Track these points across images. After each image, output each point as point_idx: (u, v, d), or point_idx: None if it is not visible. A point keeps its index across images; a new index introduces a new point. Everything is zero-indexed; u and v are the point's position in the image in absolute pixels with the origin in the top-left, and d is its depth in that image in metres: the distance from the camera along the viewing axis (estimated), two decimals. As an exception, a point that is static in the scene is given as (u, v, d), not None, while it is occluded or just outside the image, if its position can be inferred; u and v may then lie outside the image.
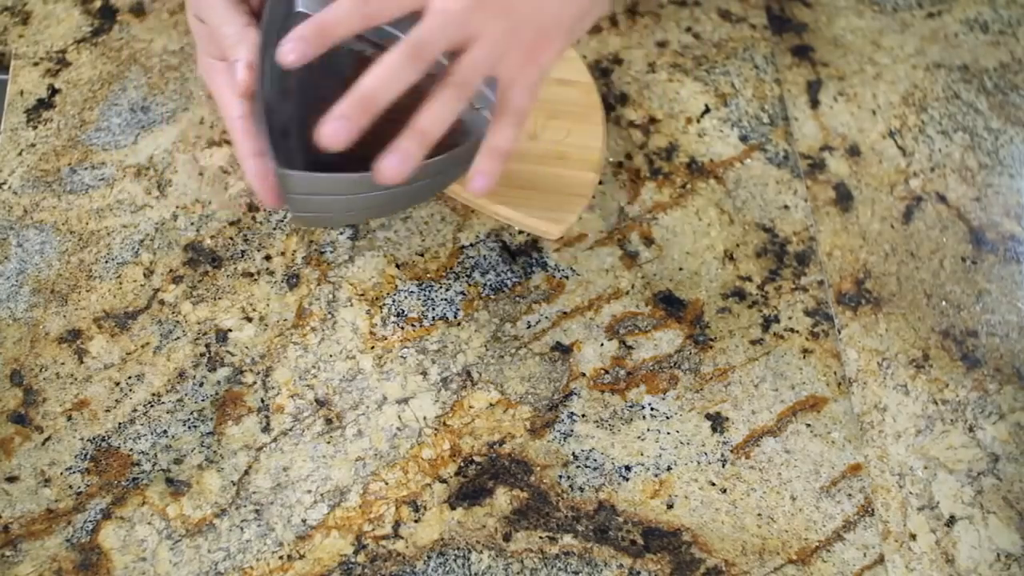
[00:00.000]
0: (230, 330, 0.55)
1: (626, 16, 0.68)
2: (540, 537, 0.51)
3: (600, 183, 0.61)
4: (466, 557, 0.51)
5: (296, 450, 0.53)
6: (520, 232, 0.59)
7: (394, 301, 0.57)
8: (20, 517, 0.50)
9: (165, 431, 0.53)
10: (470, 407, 0.54)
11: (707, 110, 0.64)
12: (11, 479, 0.51)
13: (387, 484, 0.52)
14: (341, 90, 0.43)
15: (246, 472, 0.52)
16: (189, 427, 0.53)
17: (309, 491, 0.52)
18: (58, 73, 0.63)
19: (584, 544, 0.51)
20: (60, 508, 0.51)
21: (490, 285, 0.58)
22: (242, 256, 0.58)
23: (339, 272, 0.57)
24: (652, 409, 0.55)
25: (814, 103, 0.65)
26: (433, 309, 0.57)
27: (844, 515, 0.53)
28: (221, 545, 0.50)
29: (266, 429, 0.53)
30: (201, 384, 0.54)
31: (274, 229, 0.59)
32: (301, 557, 0.50)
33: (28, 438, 0.52)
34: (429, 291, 0.57)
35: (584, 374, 0.56)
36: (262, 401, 0.54)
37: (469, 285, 0.58)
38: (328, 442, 0.53)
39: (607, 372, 0.56)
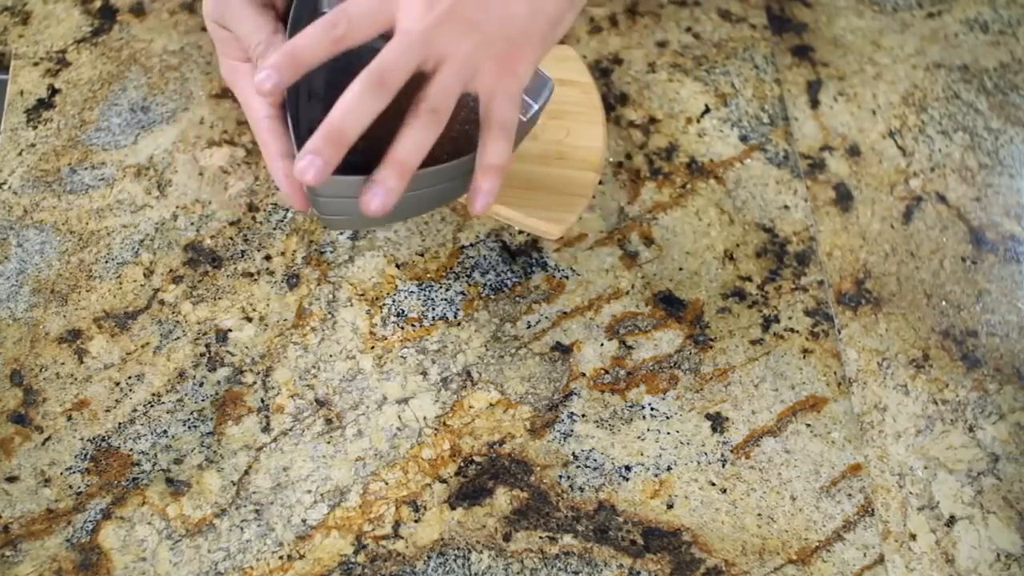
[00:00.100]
0: (230, 330, 0.56)
1: (626, 16, 0.68)
2: (540, 537, 0.51)
3: (600, 183, 0.61)
4: (466, 557, 0.51)
5: (296, 450, 0.53)
6: (520, 232, 0.59)
7: (394, 301, 0.57)
8: (20, 517, 0.50)
9: (165, 431, 0.53)
10: (470, 407, 0.54)
11: (707, 110, 0.64)
12: (11, 479, 0.51)
13: (387, 484, 0.52)
14: None
15: (246, 472, 0.52)
16: (189, 427, 0.53)
17: (309, 491, 0.52)
18: (58, 73, 0.63)
19: (584, 544, 0.51)
20: (60, 508, 0.51)
21: (490, 285, 0.58)
22: (242, 256, 0.58)
23: (339, 272, 0.57)
24: (652, 409, 0.55)
25: (814, 103, 0.65)
26: (433, 309, 0.57)
27: (844, 515, 0.53)
28: (221, 545, 0.50)
29: (266, 429, 0.53)
30: (201, 384, 0.54)
31: (274, 229, 0.59)
32: (301, 557, 0.50)
33: (28, 438, 0.52)
34: (429, 291, 0.57)
35: (584, 374, 0.56)
36: (262, 401, 0.54)
37: (469, 285, 0.58)
38: (328, 442, 0.53)
39: (607, 372, 0.56)
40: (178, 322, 0.55)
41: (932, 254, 0.61)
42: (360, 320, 0.56)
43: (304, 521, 0.51)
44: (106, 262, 0.57)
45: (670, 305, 0.58)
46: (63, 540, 0.50)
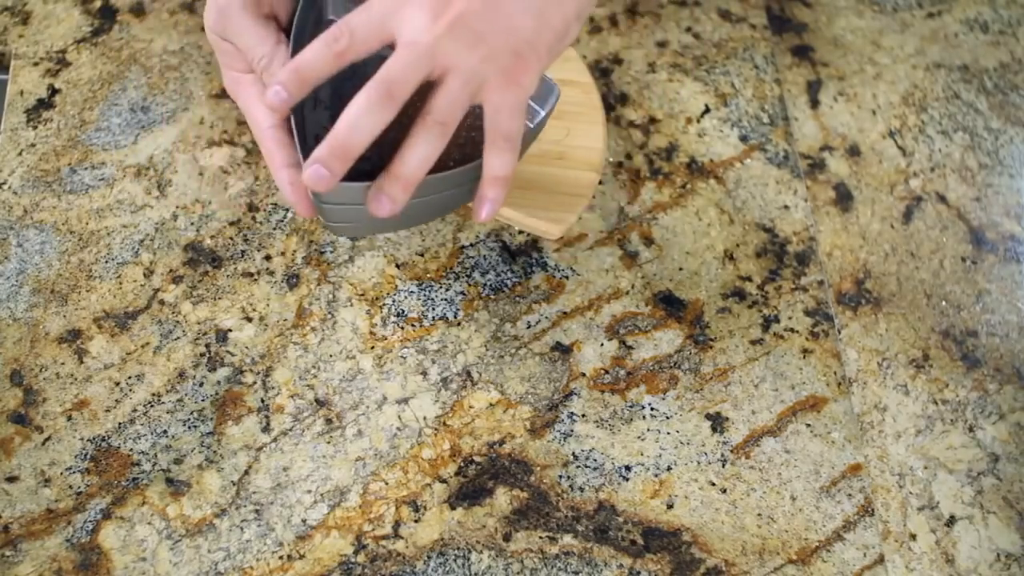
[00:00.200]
0: (230, 330, 0.56)
1: (626, 16, 0.68)
2: (540, 537, 0.51)
3: (600, 183, 0.61)
4: (466, 557, 0.51)
5: (296, 450, 0.53)
6: (520, 232, 0.59)
7: (394, 301, 0.57)
8: (20, 517, 0.50)
9: (165, 431, 0.53)
10: (470, 407, 0.54)
11: (707, 110, 0.64)
12: (11, 479, 0.51)
13: (387, 484, 0.52)
14: None
15: (246, 472, 0.52)
16: (189, 427, 0.53)
17: (309, 491, 0.52)
18: (58, 73, 0.63)
19: (584, 544, 0.51)
20: (60, 508, 0.51)
21: (490, 285, 0.58)
22: (242, 256, 0.58)
23: (339, 272, 0.57)
24: (652, 409, 0.55)
25: (814, 103, 0.65)
26: (433, 309, 0.57)
27: (844, 515, 0.53)
28: (221, 545, 0.50)
29: (266, 429, 0.53)
30: (201, 384, 0.54)
31: (274, 229, 0.59)
32: (301, 557, 0.50)
33: (28, 438, 0.52)
34: (429, 291, 0.57)
35: (584, 374, 0.56)
36: (262, 401, 0.54)
37: (469, 285, 0.58)
38: (328, 442, 0.53)
39: (607, 372, 0.56)
40: (178, 322, 0.56)
41: (932, 254, 0.61)
42: (360, 320, 0.56)
43: (304, 521, 0.51)
44: (106, 262, 0.57)
45: (670, 305, 0.58)
46: (63, 540, 0.50)
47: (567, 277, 0.58)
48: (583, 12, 0.47)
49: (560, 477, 0.53)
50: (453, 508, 0.52)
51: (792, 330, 0.58)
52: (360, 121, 0.42)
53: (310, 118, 0.49)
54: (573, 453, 0.54)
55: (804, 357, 0.57)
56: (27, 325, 0.55)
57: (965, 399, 0.56)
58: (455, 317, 0.57)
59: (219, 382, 0.54)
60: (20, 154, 0.60)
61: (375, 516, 0.51)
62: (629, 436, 0.54)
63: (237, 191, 0.59)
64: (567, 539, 0.52)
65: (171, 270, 0.57)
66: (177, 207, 0.59)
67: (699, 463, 0.54)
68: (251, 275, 0.57)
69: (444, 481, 0.52)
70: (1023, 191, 0.63)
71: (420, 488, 0.52)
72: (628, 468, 0.53)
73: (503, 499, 0.52)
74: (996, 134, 0.65)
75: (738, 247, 0.60)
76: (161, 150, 0.60)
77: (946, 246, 0.61)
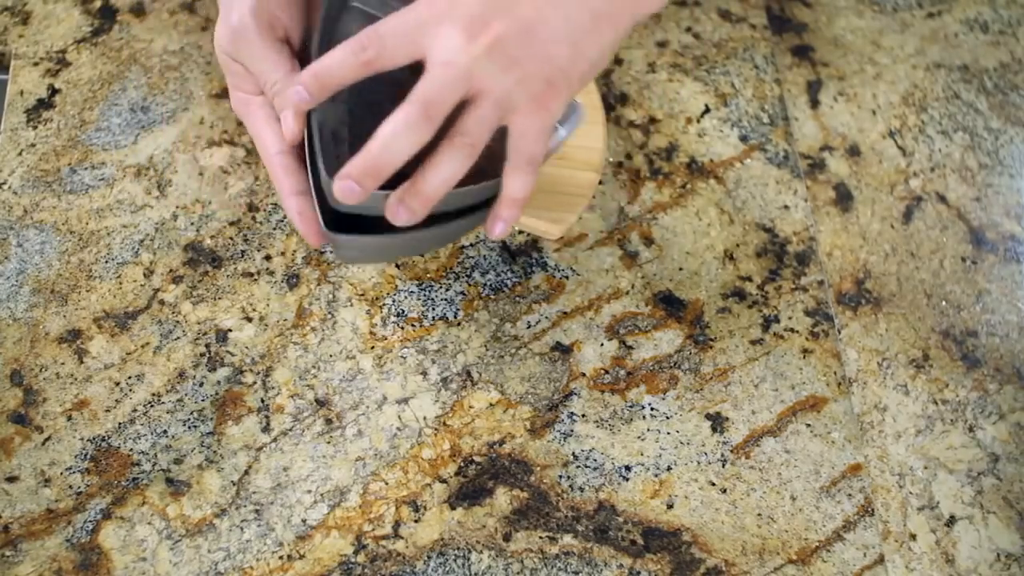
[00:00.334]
0: (230, 330, 0.56)
1: (626, 16, 0.68)
2: (540, 537, 0.51)
3: (600, 183, 0.61)
4: (466, 557, 0.51)
5: (296, 450, 0.53)
6: (520, 232, 0.59)
7: (394, 301, 0.57)
8: (20, 517, 0.50)
9: (165, 431, 0.53)
10: (470, 407, 0.54)
11: (707, 110, 0.64)
12: (11, 479, 0.51)
13: (387, 484, 0.52)
14: (391, 92, 0.42)
15: (246, 472, 0.52)
16: (189, 427, 0.53)
17: (309, 491, 0.52)
18: (58, 73, 0.63)
19: (584, 544, 0.51)
20: (60, 508, 0.51)
21: (490, 285, 0.58)
22: (242, 256, 0.58)
23: (339, 272, 0.57)
24: (652, 409, 0.55)
25: (814, 103, 0.65)
26: (433, 309, 0.57)
27: (844, 515, 0.53)
28: (221, 545, 0.50)
29: (266, 429, 0.53)
30: (201, 384, 0.54)
31: (274, 229, 0.59)
32: (301, 557, 0.50)
33: (28, 438, 0.52)
34: (429, 291, 0.57)
35: (584, 374, 0.56)
36: (262, 401, 0.54)
37: (469, 285, 0.58)
38: (328, 442, 0.53)
39: (607, 372, 0.56)
40: (178, 322, 0.56)
41: (932, 254, 0.61)
42: (360, 320, 0.56)
43: (304, 521, 0.51)
44: (106, 262, 0.57)
45: (670, 305, 0.58)
46: (63, 540, 0.50)
47: (567, 277, 0.58)
48: (616, 43, 0.46)
49: (560, 477, 0.53)
50: (453, 508, 0.52)
51: (792, 330, 0.58)
52: (396, 142, 0.41)
53: (329, 114, 0.49)
54: (573, 453, 0.54)
55: (804, 357, 0.57)
56: (27, 325, 0.55)
57: (965, 399, 0.56)
58: (455, 317, 0.57)
59: (219, 382, 0.54)
60: (20, 154, 0.60)
61: (375, 516, 0.51)
62: (629, 436, 0.54)
63: (237, 191, 0.59)
64: (567, 539, 0.52)
65: (171, 270, 0.57)
66: (177, 207, 0.59)
67: (699, 463, 0.54)
68: (251, 275, 0.57)
69: (444, 481, 0.52)
70: (1023, 191, 0.63)
71: (420, 488, 0.52)
72: (628, 468, 0.53)
73: (503, 499, 0.52)
74: (996, 134, 0.65)
75: (738, 247, 0.60)
76: (161, 150, 0.60)
77: (946, 246, 0.61)
